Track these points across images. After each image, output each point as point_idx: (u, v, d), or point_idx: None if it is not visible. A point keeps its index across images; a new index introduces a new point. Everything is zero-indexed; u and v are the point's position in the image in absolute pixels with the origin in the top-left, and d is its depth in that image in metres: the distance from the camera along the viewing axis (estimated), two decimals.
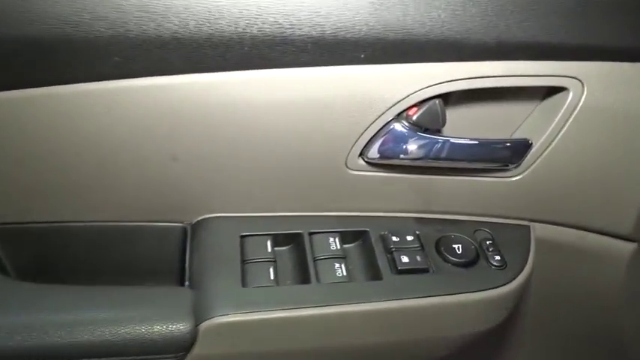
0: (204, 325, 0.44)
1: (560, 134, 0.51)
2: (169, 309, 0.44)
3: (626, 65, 0.49)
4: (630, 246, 0.55)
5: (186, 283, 0.50)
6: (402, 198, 0.54)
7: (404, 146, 0.50)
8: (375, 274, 0.50)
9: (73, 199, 0.50)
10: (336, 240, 0.52)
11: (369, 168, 0.51)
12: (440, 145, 0.50)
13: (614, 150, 0.52)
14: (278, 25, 0.44)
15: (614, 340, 0.63)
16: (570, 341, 0.66)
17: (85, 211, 0.51)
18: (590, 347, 0.65)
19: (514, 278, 0.51)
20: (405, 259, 0.51)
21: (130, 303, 0.44)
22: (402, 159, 0.50)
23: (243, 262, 0.50)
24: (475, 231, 0.55)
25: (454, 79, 0.47)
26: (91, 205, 0.51)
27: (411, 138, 0.50)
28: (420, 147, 0.50)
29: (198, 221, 0.53)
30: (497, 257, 0.53)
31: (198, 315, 0.45)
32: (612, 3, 0.48)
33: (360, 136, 0.49)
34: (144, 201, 0.51)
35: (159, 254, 0.55)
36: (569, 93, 0.49)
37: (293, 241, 0.53)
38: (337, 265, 0.50)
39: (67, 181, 0.49)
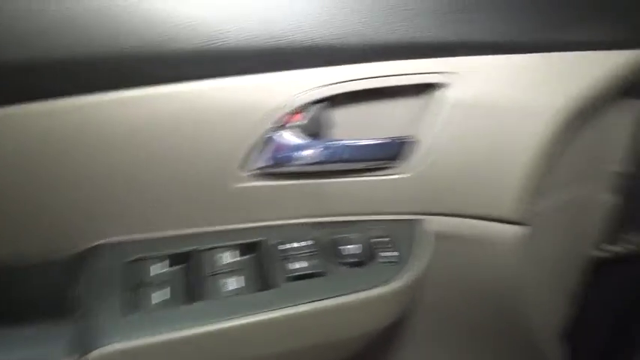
0: (85, 358, 0.42)
1: (442, 129, 0.52)
2: (46, 347, 0.42)
3: (501, 58, 0.51)
4: (516, 229, 0.57)
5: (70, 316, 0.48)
6: (294, 205, 0.54)
7: (288, 153, 0.50)
8: (269, 284, 0.50)
9: None
10: (227, 254, 0.51)
11: (255, 179, 0.51)
12: (325, 148, 0.51)
13: (492, 140, 0.53)
14: (145, 41, 0.42)
15: (519, 326, 0.65)
16: (476, 331, 0.68)
17: None
18: (496, 334, 0.68)
19: (407, 272, 0.52)
20: (299, 265, 0.51)
21: (2, 348, 0.42)
22: (288, 166, 0.50)
23: (128, 288, 0.48)
24: (369, 230, 0.56)
25: (327, 83, 0.48)
26: None
27: (295, 144, 0.50)
28: (305, 152, 0.50)
29: (84, 250, 0.51)
30: (390, 253, 0.54)
31: (80, 349, 0.43)
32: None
33: (240, 148, 0.49)
34: (22, 232, 0.48)
35: (45, 289, 0.51)
36: (446, 88, 0.51)
37: (185, 260, 0.52)
38: (229, 279, 0.49)
39: None
